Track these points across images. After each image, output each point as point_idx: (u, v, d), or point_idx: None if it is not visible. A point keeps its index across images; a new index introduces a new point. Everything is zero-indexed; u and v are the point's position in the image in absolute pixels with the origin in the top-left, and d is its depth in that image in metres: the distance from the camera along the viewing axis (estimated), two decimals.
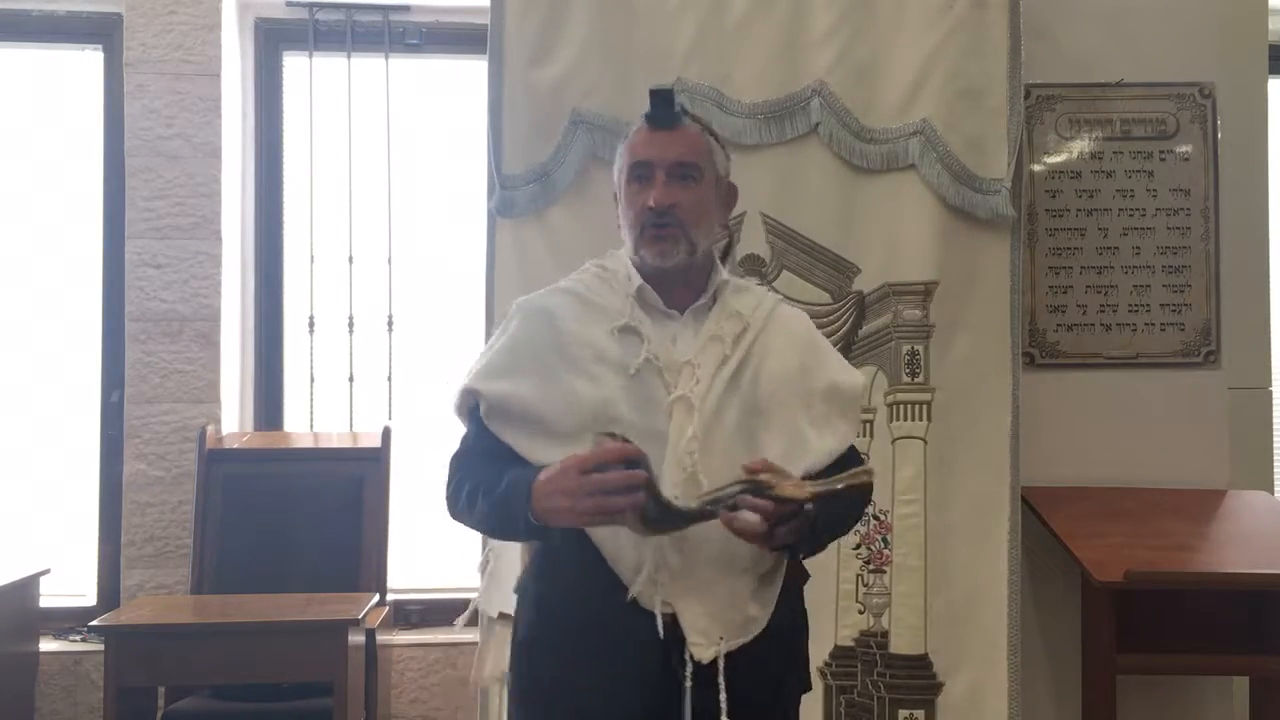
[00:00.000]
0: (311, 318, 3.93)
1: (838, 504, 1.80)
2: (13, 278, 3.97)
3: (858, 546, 3.15)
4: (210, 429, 3.64)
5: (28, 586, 3.55)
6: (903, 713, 3.10)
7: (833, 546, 3.05)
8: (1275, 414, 3.76)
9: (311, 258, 3.93)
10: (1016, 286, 3.19)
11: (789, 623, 1.93)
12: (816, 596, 3.08)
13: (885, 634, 3.12)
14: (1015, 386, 3.16)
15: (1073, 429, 3.36)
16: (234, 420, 3.85)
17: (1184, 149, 3.44)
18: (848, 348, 3.17)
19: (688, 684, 1.78)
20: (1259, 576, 2.94)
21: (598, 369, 1.87)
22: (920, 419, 3.15)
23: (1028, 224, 3.35)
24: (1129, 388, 3.40)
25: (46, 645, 3.70)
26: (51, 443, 3.95)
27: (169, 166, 3.77)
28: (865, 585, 3.14)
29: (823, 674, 3.13)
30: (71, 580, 3.84)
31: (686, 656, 1.79)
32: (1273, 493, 3.69)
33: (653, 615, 1.79)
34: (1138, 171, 3.44)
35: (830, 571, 3.14)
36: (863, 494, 1.90)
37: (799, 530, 1.75)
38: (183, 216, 3.76)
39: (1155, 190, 3.44)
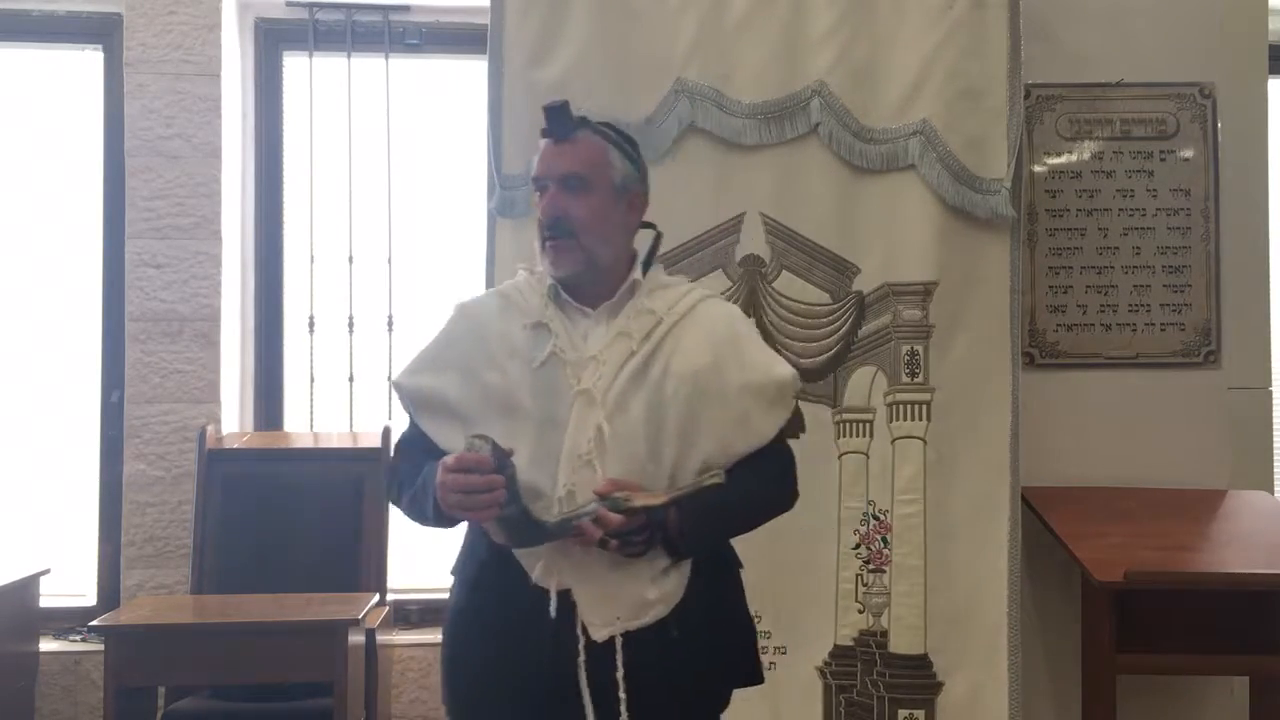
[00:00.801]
0: (311, 318, 3.93)
1: (704, 510, 1.89)
2: (13, 277, 3.97)
3: (857, 546, 3.15)
4: (210, 429, 3.64)
5: (28, 586, 3.55)
6: (902, 712, 3.10)
7: (833, 546, 3.11)
8: (1275, 414, 3.76)
9: (311, 258, 3.93)
10: (1016, 286, 3.19)
11: (714, 610, 1.98)
12: (816, 596, 3.14)
13: (885, 633, 3.12)
14: (1015, 386, 3.16)
15: (1073, 429, 3.36)
16: (234, 420, 3.85)
17: (1184, 149, 3.44)
18: (847, 348, 3.18)
19: (581, 659, 1.87)
20: (1259, 576, 2.94)
21: (508, 362, 1.96)
22: (920, 419, 3.15)
23: (1028, 224, 3.35)
24: (1129, 388, 3.40)
25: (46, 645, 3.70)
26: (51, 443, 3.95)
27: (169, 166, 3.77)
28: (865, 585, 3.14)
29: (822, 673, 3.13)
30: (71, 580, 3.84)
31: (579, 632, 1.88)
32: (1273, 493, 3.69)
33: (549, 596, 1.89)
34: (1138, 171, 3.45)
35: (830, 571, 3.15)
36: (736, 499, 1.94)
37: (653, 539, 1.86)
38: (183, 216, 3.76)
39: (1155, 190, 3.44)
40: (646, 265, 2.05)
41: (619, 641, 1.88)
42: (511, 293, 2.06)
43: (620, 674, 1.87)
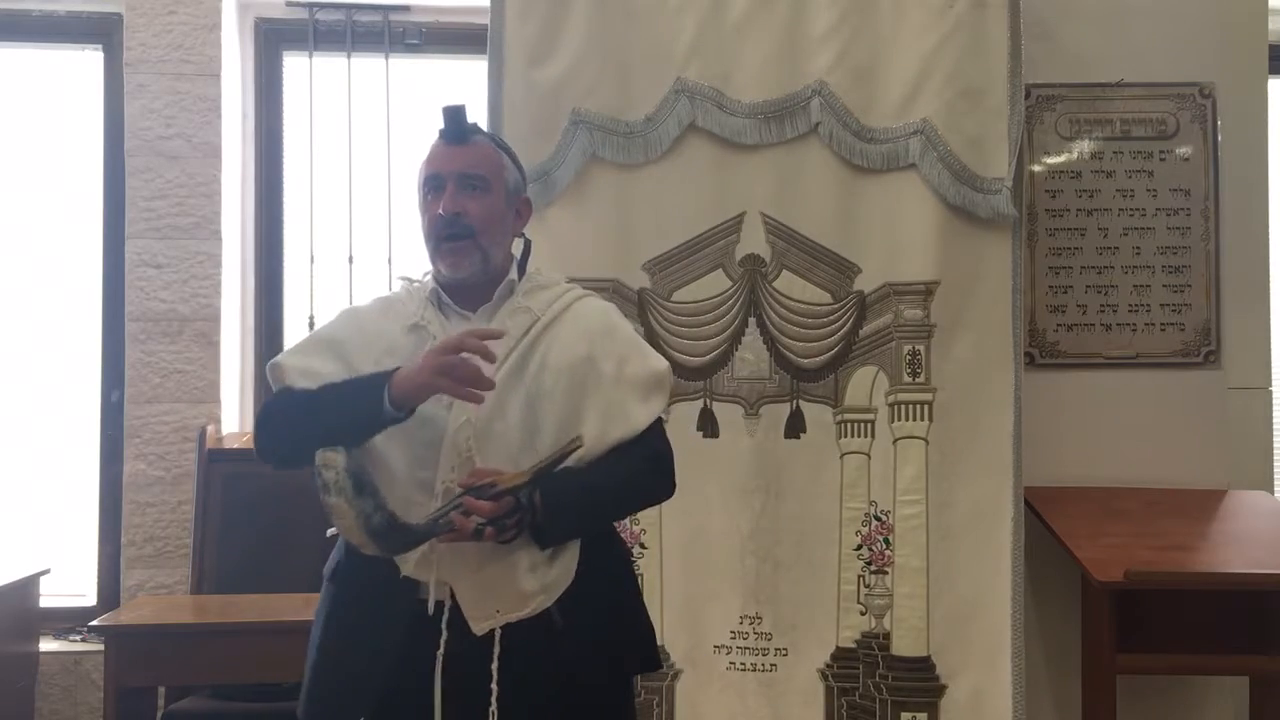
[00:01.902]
0: (311, 318, 3.93)
1: (569, 495, 1.90)
2: (13, 277, 3.97)
3: (859, 547, 3.15)
4: (210, 429, 3.65)
5: (28, 586, 3.55)
6: (905, 715, 3.10)
7: (834, 547, 3.11)
8: (1275, 414, 3.76)
9: (311, 258, 3.93)
10: (1018, 286, 3.18)
11: (602, 598, 1.98)
12: (817, 597, 3.14)
13: (887, 635, 3.12)
14: (1017, 386, 3.16)
15: (1073, 429, 3.36)
16: (234, 420, 3.85)
17: (1184, 149, 3.44)
18: (849, 348, 3.18)
19: (439, 652, 1.88)
20: (1259, 576, 2.94)
21: (386, 359, 1.96)
22: (921, 419, 3.15)
23: (1028, 224, 3.35)
24: (1129, 388, 3.40)
25: (46, 645, 3.70)
26: (51, 443, 3.95)
27: (169, 166, 3.77)
28: (867, 586, 3.14)
29: (824, 675, 3.13)
30: (71, 580, 3.84)
31: (443, 626, 1.89)
32: (1273, 493, 3.69)
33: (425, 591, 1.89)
34: (1138, 171, 3.45)
35: (831, 572, 3.15)
36: (605, 483, 1.96)
37: (523, 522, 1.84)
38: (183, 216, 3.76)
39: (1155, 190, 3.44)
40: (521, 267, 2.08)
41: (498, 634, 1.89)
42: (393, 299, 2.10)
43: (495, 665, 1.88)
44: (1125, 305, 3.43)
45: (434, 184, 2.01)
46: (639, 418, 1.99)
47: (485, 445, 1.91)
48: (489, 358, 1.83)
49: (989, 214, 3.15)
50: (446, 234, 1.97)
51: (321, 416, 1.90)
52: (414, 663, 1.90)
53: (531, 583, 1.91)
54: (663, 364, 2.06)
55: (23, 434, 3.95)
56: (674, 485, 2.08)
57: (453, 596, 1.91)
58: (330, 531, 2.14)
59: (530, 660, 1.90)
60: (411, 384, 1.83)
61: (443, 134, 2.03)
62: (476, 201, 1.98)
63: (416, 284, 2.10)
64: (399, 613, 1.91)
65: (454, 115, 2.00)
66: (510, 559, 1.89)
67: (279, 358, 2.04)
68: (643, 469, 2.01)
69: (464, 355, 1.80)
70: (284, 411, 1.96)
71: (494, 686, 1.88)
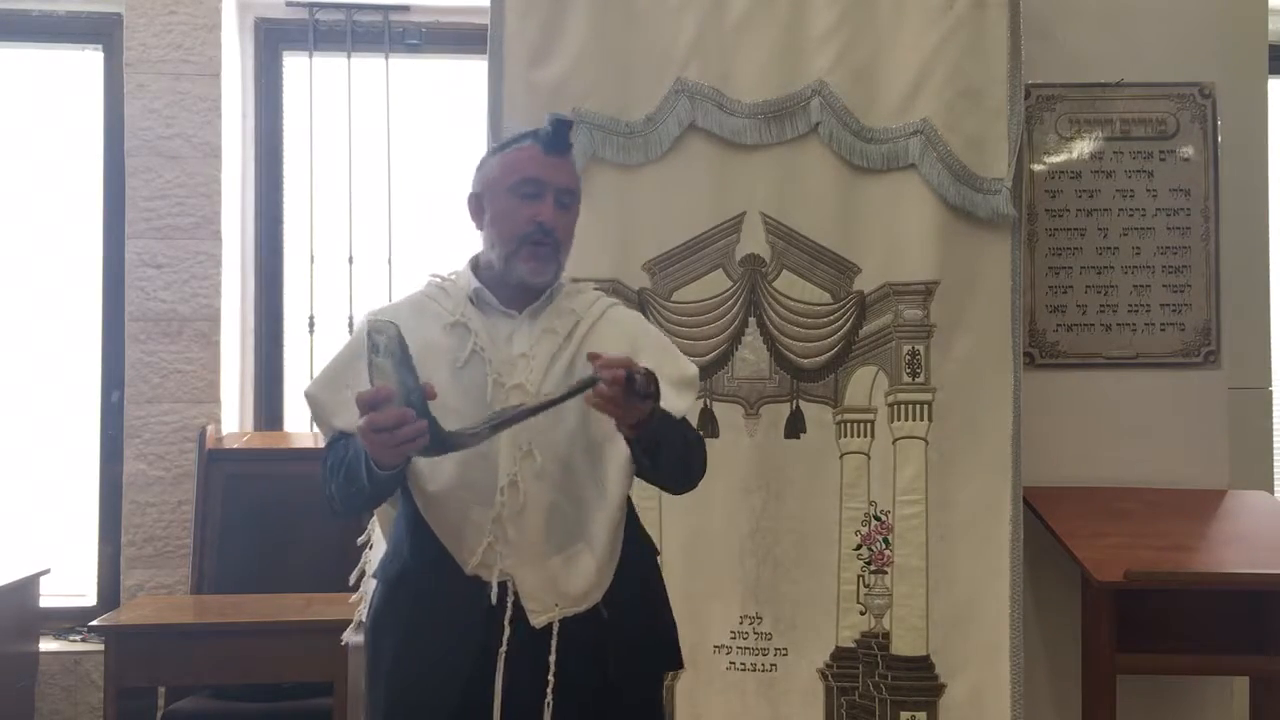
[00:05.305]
0: (311, 318, 3.93)
1: (667, 416, 1.93)
2: (13, 278, 3.97)
3: (859, 547, 3.15)
4: (210, 429, 3.65)
5: (28, 586, 3.56)
6: (904, 714, 3.09)
7: (834, 547, 3.11)
8: (1275, 414, 3.76)
9: (311, 258, 3.93)
10: (1017, 286, 3.18)
11: (641, 592, 2.05)
12: (817, 597, 3.14)
13: (887, 635, 3.11)
14: (1017, 386, 3.16)
15: (1073, 429, 3.36)
16: (234, 420, 3.85)
17: (1184, 149, 3.43)
18: (848, 347, 3.18)
19: (503, 649, 1.91)
20: (1259, 576, 2.94)
21: (424, 355, 1.92)
22: (921, 419, 3.15)
23: (1028, 224, 3.35)
24: (1129, 388, 3.40)
25: (46, 645, 3.71)
26: (51, 443, 3.96)
27: (169, 166, 3.77)
28: (866, 586, 3.14)
29: (824, 675, 3.13)
30: (71, 580, 3.84)
31: (505, 622, 1.92)
32: (1273, 493, 3.69)
33: (489, 586, 1.92)
34: (1138, 171, 3.44)
35: (831, 572, 3.15)
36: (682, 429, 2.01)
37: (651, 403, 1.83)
38: (183, 216, 3.77)
39: (1155, 190, 3.44)
40: None
41: (555, 627, 1.93)
42: (423, 300, 2.09)
43: (553, 658, 1.92)
44: (1125, 305, 3.43)
45: (533, 189, 2.00)
46: (678, 406, 2.03)
47: (543, 439, 1.95)
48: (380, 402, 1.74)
49: (989, 214, 3.15)
50: (537, 240, 1.99)
51: (354, 488, 1.92)
52: (474, 658, 1.93)
53: (590, 577, 1.96)
54: (693, 368, 2.13)
55: (23, 434, 3.95)
56: (703, 473, 2.12)
57: (513, 591, 1.94)
58: (360, 539, 2.14)
59: (580, 653, 1.94)
60: (370, 454, 1.79)
61: (545, 142, 2.02)
62: (566, 217, 2.04)
63: (449, 281, 2.11)
64: (468, 615, 1.93)
65: (563, 128, 2.03)
66: (571, 551, 1.96)
67: (309, 388, 2.08)
68: (696, 442, 2.08)
69: (371, 420, 1.72)
70: (332, 476, 1.98)
71: (551, 678, 1.92)
